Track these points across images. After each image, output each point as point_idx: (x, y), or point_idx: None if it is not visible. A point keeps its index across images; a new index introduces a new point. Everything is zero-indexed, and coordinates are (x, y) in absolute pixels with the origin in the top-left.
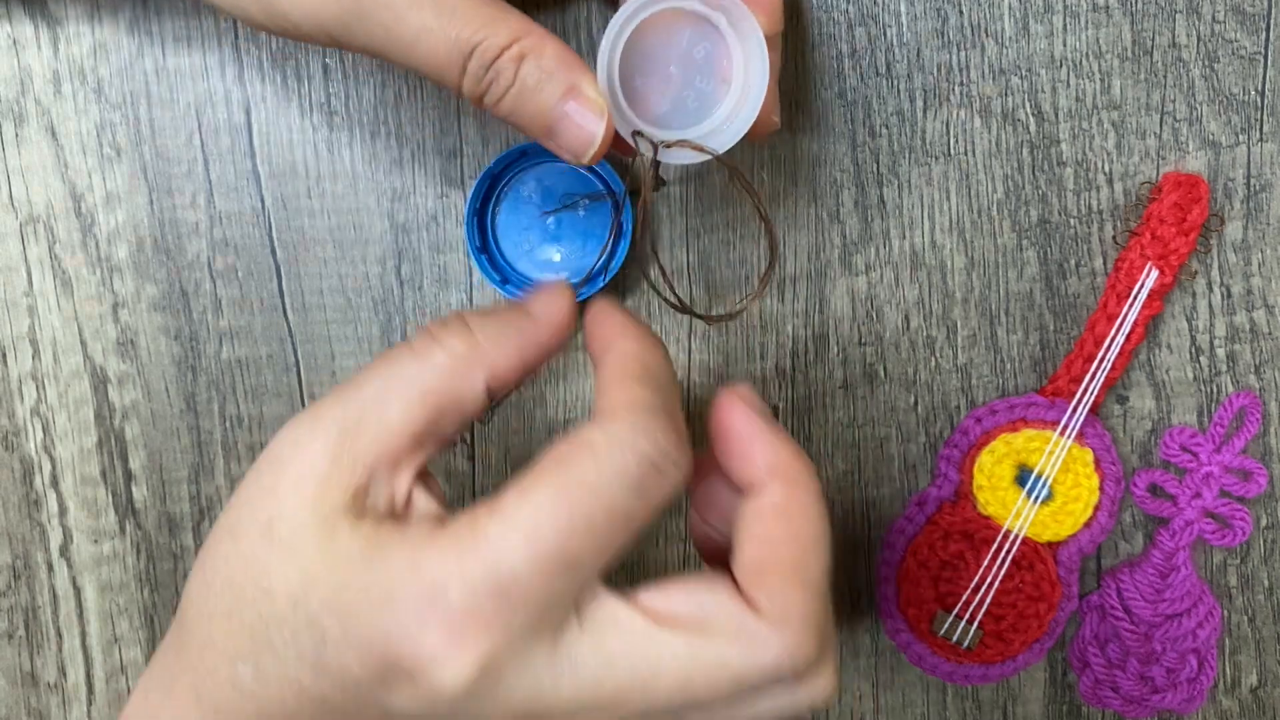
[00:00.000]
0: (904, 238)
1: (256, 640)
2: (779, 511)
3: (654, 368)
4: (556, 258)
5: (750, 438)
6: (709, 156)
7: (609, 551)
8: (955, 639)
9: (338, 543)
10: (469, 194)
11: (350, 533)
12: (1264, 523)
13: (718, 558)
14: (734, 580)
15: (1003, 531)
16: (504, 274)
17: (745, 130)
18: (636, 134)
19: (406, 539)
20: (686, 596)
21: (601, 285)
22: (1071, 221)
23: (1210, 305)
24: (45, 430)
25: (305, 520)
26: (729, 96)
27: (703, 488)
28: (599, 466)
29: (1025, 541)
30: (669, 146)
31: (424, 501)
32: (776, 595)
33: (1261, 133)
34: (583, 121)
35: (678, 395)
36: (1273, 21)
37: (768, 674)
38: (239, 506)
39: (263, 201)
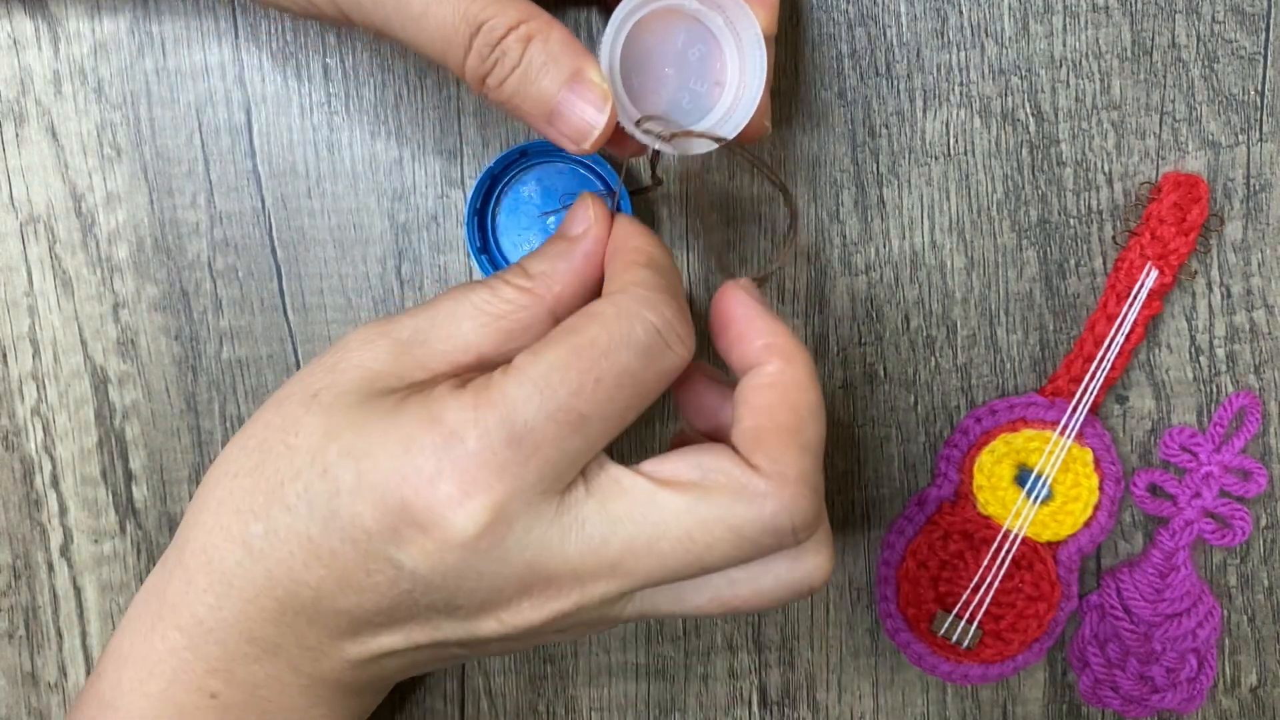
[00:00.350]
0: (904, 238)
1: (272, 496)
2: (775, 383)
3: (659, 259)
4: None
5: (748, 319)
6: (715, 145)
7: (617, 416)
8: (955, 639)
9: (369, 407)
10: (469, 194)
11: (383, 399)
12: (1263, 522)
13: None
14: (734, 449)
15: (1002, 531)
16: None
17: (745, 122)
18: (643, 119)
19: (429, 397)
20: (687, 461)
21: None
22: (1071, 221)
23: (1210, 305)
24: (46, 430)
25: (350, 390)
26: (723, 98)
27: (691, 393)
28: (608, 331)
29: (1025, 541)
30: (673, 137)
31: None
32: (775, 456)
33: (1261, 133)
34: (585, 107)
35: (680, 285)
36: (1272, 21)
37: (768, 529)
38: (293, 382)
39: (263, 201)
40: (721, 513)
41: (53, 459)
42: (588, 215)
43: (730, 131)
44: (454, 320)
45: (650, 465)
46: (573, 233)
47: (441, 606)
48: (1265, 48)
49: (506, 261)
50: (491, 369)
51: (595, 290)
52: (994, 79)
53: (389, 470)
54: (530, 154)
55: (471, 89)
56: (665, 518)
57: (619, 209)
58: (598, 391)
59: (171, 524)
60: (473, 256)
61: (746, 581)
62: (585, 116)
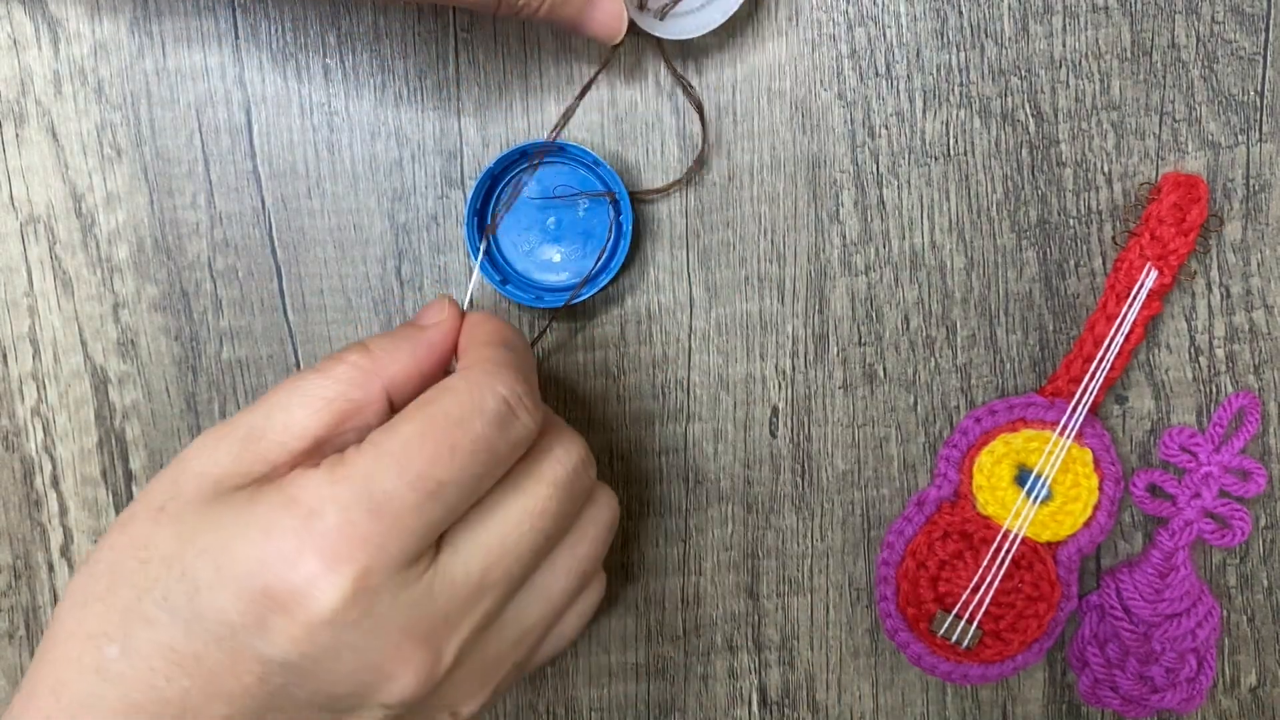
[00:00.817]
0: (904, 238)
1: (128, 615)
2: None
3: (511, 340)
4: (556, 258)
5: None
6: (710, 28)
7: (473, 483)
8: (954, 639)
9: (220, 506)
10: (469, 194)
11: (232, 496)
12: (1263, 522)
13: None
14: None
15: (1002, 531)
16: (504, 274)
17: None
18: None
19: (282, 481)
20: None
21: (604, 284)
22: (1071, 222)
23: (1209, 305)
24: (46, 430)
25: (195, 497)
26: None
27: None
28: (460, 402)
29: (1024, 541)
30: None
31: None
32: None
33: (1261, 133)
34: (605, 13)
35: (533, 363)
36: (1272, 22)
37: (572, 468)
38: (135, 504)
39: (263, 202)
40: (533, 477)
41: (53, 459)
42: (442, 310)
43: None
44: (287, 410)
45: None
46: (424, 323)
47: (319, 699)
48: (1265, 48)
49: (506, 261)
50: (331, 452)
51: (432, 380)
52: (994, 79)
53: (249, 558)
54: (530, 154)
55: (506, 12)
56: (498, 511)
57: (619, 211)
58: (454, 459)
59: None
60: (472, 257)
61: (581, 539)
62: (608, 18)
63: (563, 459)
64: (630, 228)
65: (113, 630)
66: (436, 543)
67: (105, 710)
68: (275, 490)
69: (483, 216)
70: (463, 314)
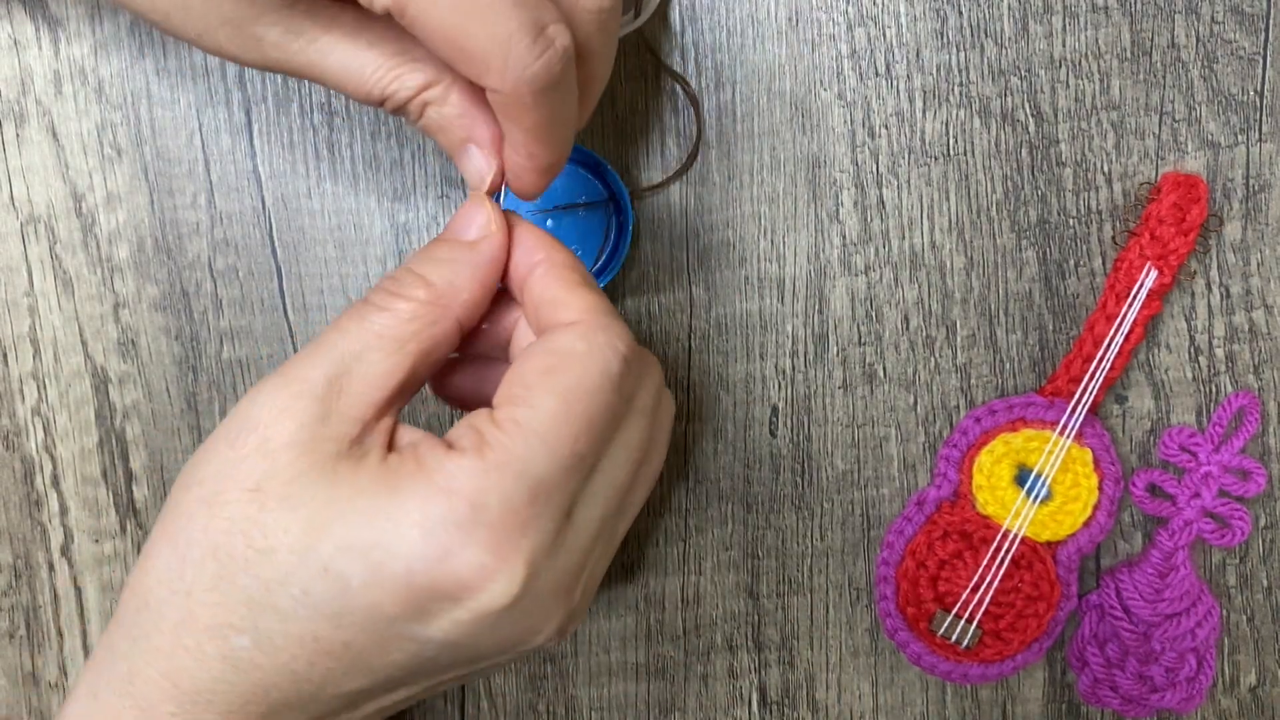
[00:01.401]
0: (904, 238)
1: (255, 606)
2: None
3: (574, 264)
4: None
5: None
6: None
7: (603, 445)
8: (954, 638)
9: (341, 487)
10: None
11: (354, 474)
12: (1263, 522)
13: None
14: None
15: (1002, 531)
16: None
17: None
18: None
19: (423, 467)
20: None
21: (602, 285)
22: (1071, 222)
23: (1209, 305)
24: (46, 430)
25: (301, 473)
26: None
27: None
28: (589, 371)
29: (1024, 541)
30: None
31: (411, 434)
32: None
33: (1260, 133)
34: (475, 166)
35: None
36: (1271, 22)
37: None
38: (211, 479)
39: (263, 201)
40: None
41: (53, 459)
42: (485, 219)
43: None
44: (363, 360)
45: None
46: (468, 236)
47: (465, 660)
48: (1265, 48)
49: None
50: (410, 394)
51: (493, 292)
52: (994, 79)
53: (410, 557)
54: None
55: None
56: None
57: (619, 212)
58: (591, 431)
59: None
60: None
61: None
62: (474, 173)
63: (650, 388)
64: (630, 231)
65: (238, 621)
66: None
67: (235, 695)
68: (419, 476)
69: None
70: (507, 219)
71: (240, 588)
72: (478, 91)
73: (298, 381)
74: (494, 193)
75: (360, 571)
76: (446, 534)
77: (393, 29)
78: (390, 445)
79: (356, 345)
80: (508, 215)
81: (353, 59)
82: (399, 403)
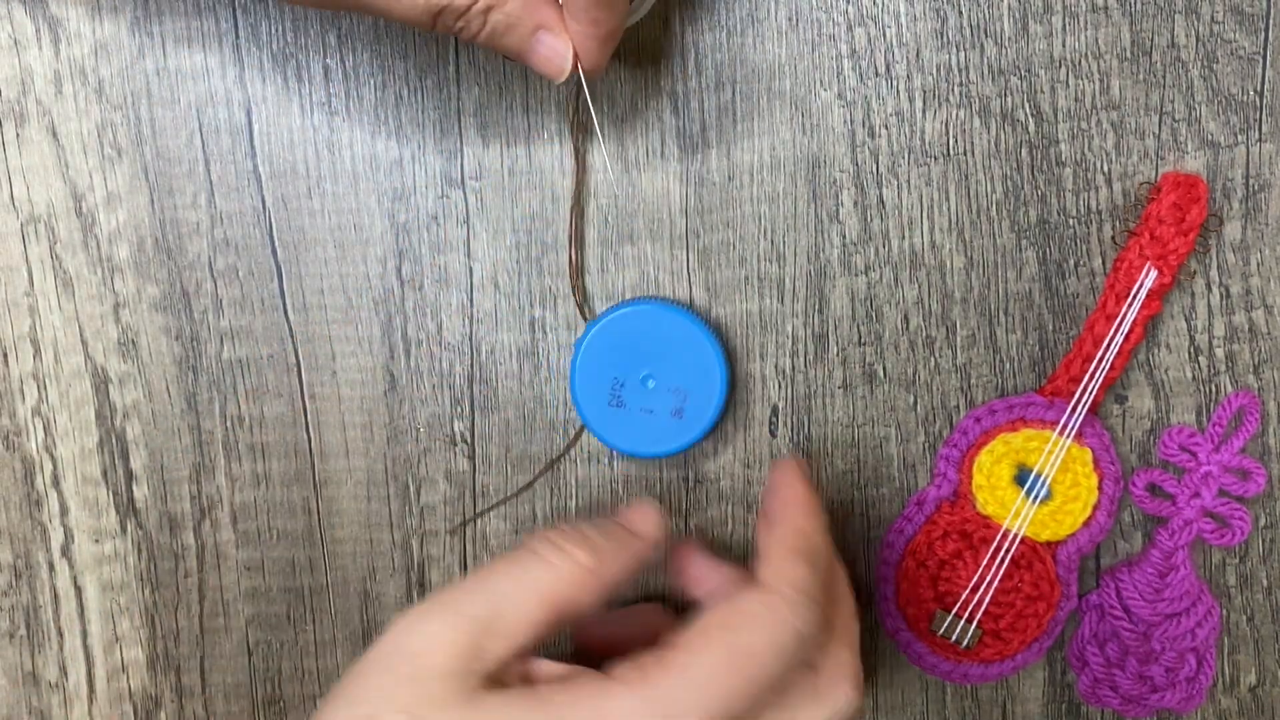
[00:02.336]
0: (904, 238)
1: None
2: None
3: (817, 547)
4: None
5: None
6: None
7: (758, 706)
8: (954, 638)
9: (483, 714)
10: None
11: (501, 700)
12: (1262, 522)
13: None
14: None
15: (1001, 531)
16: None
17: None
18: None
19: (578, 697)
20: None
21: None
22: (1070, 222)
23: (1209, 305)
24: (46, 430)
25: (450, 700)
26: None
27: (690, 565)
28: (763, 638)
29: (1024, 541)
30: None
31: (551, 666)
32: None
33: (1260, 133)
34: (552, 50)
35: (830, 571)
36: (1271, 22)
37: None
38: (368, 700)
39: (263, 201)
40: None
41: (53, 459)
42: (653, 525)
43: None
44: (520, 608)
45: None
46: (636, 528)
47: None
48: (1265, 48)
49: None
50: (548, 637)
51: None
52: (994, 79)
53: None
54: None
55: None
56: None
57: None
58: (748, 695)
59: (172, 524)
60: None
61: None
62: (553, 58)
63: (847, 697)
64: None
65: None
66: None
67: None
68: (577, 708)
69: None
70: (672, 532)
71: None
72: None
73: (455, 615)
74: (573, 76)
75: None
76: None
77: None
78: (527, 678)
79: (514, 592)
80: (783, 464)
81: None
82: (537, 646)
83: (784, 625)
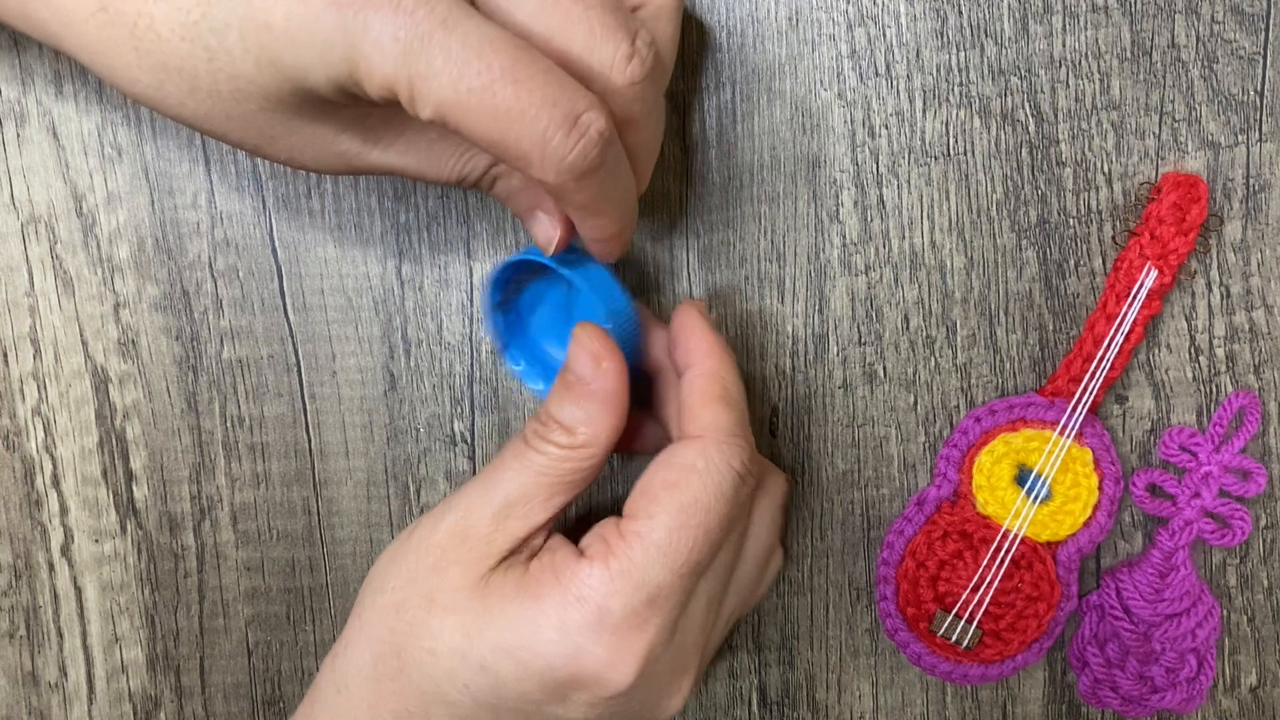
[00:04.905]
0: (904, 238)
1: (427, 697)
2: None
3: (732, 387)
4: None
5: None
6: None
7: (717, 549)
8: (954, 639)
9: (492, 597)
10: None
11: (502, 584)
12: (1263, 522)
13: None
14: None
15: (1002, 531)
16: (508, 341)
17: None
18: None
19: (558, 573)
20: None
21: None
22: (1071, 222)
23: (1209, 305)
24: (46, 430)
25: (462, 585)
26: None
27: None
28: (707, 488)
29: (1024, 541)
30: None
31: (556, 540)
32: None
33: (1260, 133)
34: (542, 229)
35: (746, 407)
36: (1272, 22)
37: (730, 470)
38: (398, 588)
39: (264, 201)
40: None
41: (53, 459)
42: (600, 357)
43: None
44: (527, 496)
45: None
46: (585, 374)
47: None
48: (1265, 48)
49: (541, 352)
50: (561, 512)
51: (624, 413)
52: (994, 79)
53: (550, 655)
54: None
55: None
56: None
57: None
58: (706, 542)
59: (172, 523)
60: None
61: (760, 528)
62: (542, 234)
63: (772, 496)
64: (628, 308)
65: (415, 708)
66: None
67: None
68: (556, 585)
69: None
70: (623, 362)
71: (415, 681)
72: None
73: (468, 511)
74: (559, 251)
75: (511, 668)
76: (579, 635)
77: None
78: (535, 553)
79: (521, 480)
80: (683, 311)
81: (428, 154)
82: (552, 522)
83: (721, 470)
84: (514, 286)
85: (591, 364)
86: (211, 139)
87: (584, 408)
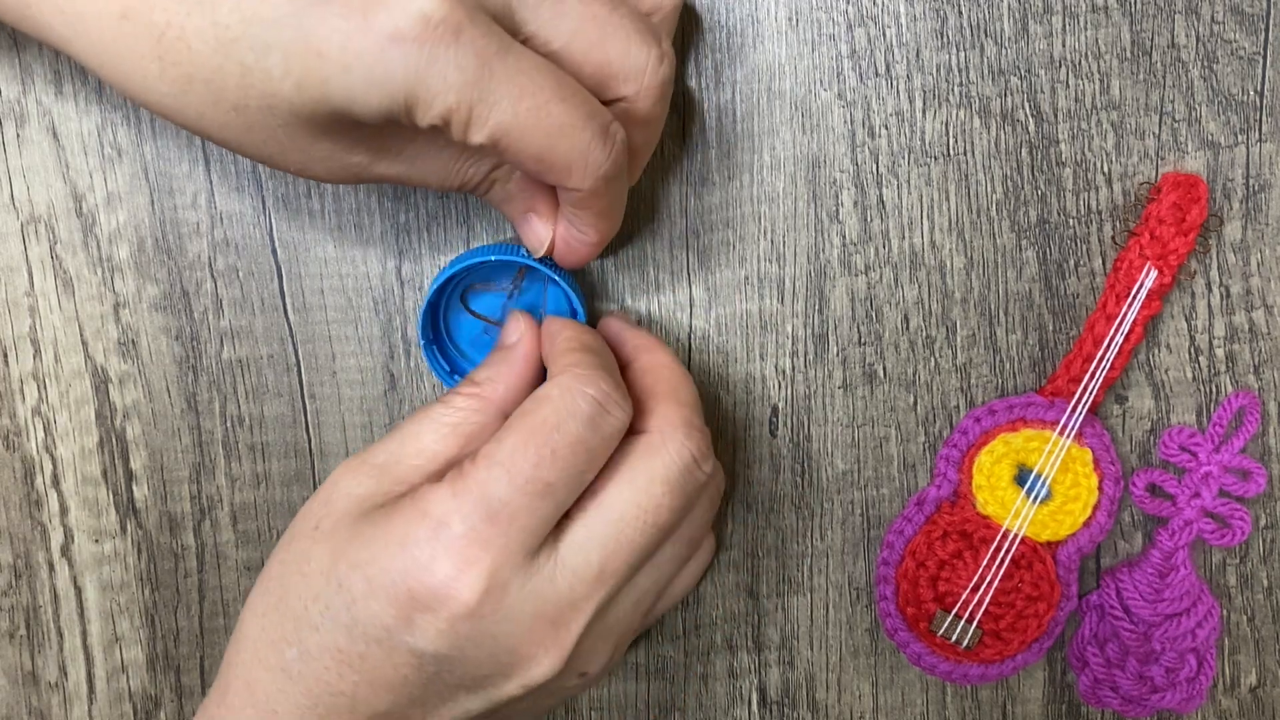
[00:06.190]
0: (904, 238)
1: (300, 622)
2: (648, 367)
3: (590, 343)
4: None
5: (623, 333)
6: None
7: (577, 478)
8: (954, 638)
9: (364, 524)
10: (428, 289)
11: (375, 513)
12: (1263, 522)
13: None
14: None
15: (1001, 531)
16: (454, 364)
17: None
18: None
19: (415, 495)
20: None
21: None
22: (1070, 222)
23: (1209, 305)
24: (46, 430)
25: (344, 514)
26: None
27: None
28: (555, 409)
29: (1024, 541)
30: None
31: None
32: (660, 415)
33: (1260, 133)
34: (534, 233)
35: (614, 361)
36: (1272, 22)
37: (681, 465)
38: (297, 521)
39: (264, 201)
40: (646, 475)
41: (53, 459)
42: (519, 326)
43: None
44: (418, 438)
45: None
46: (508, 342)
47: (467, 681)
48: (1265, 48)
49: (458, 349)
50: (455, 459)
51: (536, 386)
52: (993, 79)
53: (392, 569)
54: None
55: None
56: (616, 508)
57: (575, 312)
58: (556, 461)
59: (172, 523)
60: (423, 349)
61: (689, 522)
62: (535, 237)
63: (675, 458)
64: (574, 288)
65: (289, 635)
66: (558, 537)
67: (291, 703)
68: (409, 504)
69: (436, 311)
70: (538, 324)
71: (290, 607)
72: None
73: (368, 453)
74: (551, 254)
75: (360, 583)
76: (419, 548)
77: None
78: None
79: (416, 428)
80: (554, 320)
81: (433, 163)
82: (452, 469)
83: (573, 392)
84: (434, 310)
85: (514, 334)
86: None
87: (493, 368)
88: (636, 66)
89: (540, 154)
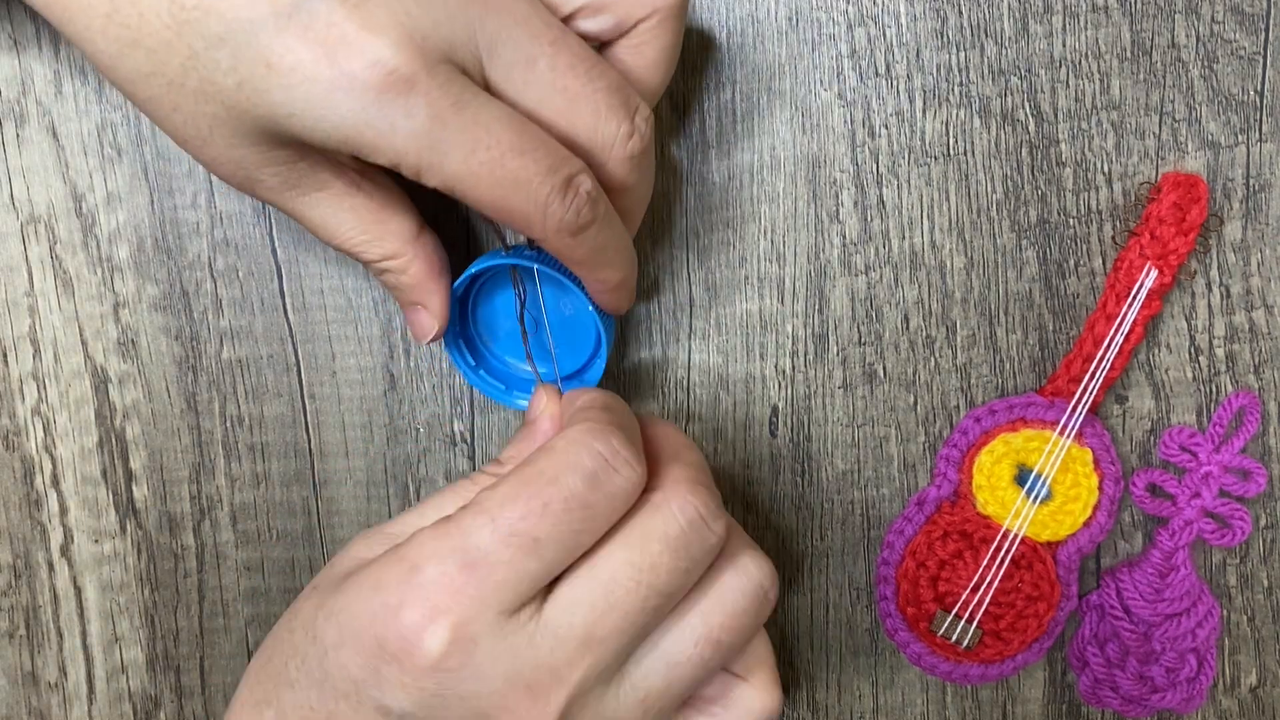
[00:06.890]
0: (904, 238)
1: (278, 681)
2: (652, 435)
3: (611, 404)
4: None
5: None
6: None
7: (569, 538)
8: (954, 638)
9: (353, 574)
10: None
11: (372, 560)
12: (1263, 522)
13: None
14: None
15: (1002, 531)
16: (480, 357)
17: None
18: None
19: (399, 545)
20: None
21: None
22: (1071, 222)
23: (1209, 305)
24: (46, 430)
25: (341, 574)
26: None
27: None
28: (555, 460)
29: (1024, 541)
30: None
31: None
32: (661, 474)
33: (1261, 133)
34: (419, 325)
35: (634, 420)
36: (1272, 22)
37: (684, 525)
38: (310, 595)
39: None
40: (641, 533)
41: (53, 459)
42: (541, 401)
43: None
44: (439, 510)
45: None
46: (532, 417)
47: None
48: (1265, 48)
49: (484, 343)
50: None
51: None
52: (994, 79)
53: (363, 614)
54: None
55: None
56: (607, 568)
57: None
58: (546, 516)
59: (172, 523)
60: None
61: (715, 605)
62: (418, 330)
63: (677, 514)
64: (609, 340)
65: (269, 696)
66: (545, 598)
67: None
68: (392, 549)
69: (465, 303)
70: (560, 394)
71: (273, 665)
72: (435, 265)
73: (388, 525)
74: (435, 341)
75: (334, 632)
76: (389, 592)
77: (377, 198)
78: None
79: (439, 500)
80: (577, 390)
81: (333, 218)
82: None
83: (578, 445)
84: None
85: (535, 410)
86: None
87: (517, 445)
88: (604, 141)
89: (495, 205)
